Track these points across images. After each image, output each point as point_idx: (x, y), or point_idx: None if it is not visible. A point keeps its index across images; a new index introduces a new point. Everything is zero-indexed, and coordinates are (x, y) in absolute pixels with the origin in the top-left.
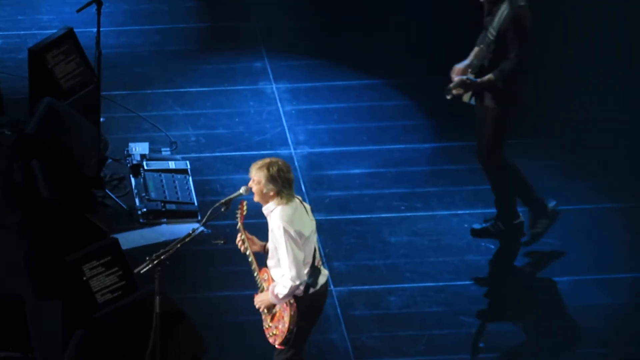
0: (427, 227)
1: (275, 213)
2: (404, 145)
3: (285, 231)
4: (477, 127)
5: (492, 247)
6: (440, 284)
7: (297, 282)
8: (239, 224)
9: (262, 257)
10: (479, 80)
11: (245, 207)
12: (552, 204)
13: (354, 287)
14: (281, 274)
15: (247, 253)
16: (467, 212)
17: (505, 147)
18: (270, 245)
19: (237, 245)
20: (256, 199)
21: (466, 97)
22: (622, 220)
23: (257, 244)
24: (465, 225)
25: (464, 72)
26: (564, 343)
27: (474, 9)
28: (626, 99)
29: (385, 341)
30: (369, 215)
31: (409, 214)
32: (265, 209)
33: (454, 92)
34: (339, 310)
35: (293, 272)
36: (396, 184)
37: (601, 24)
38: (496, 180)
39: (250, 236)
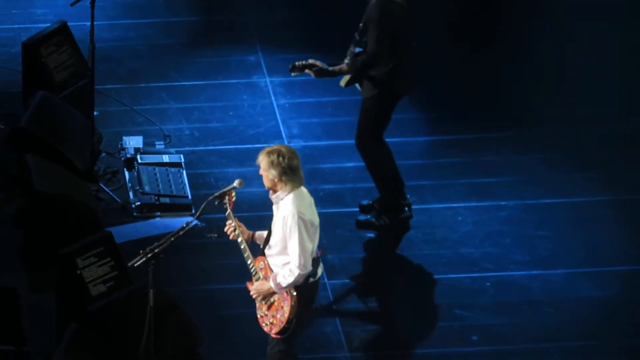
0: (420, 220)
1: (286, 201)
2: (398, 139)
3: (300, 219)
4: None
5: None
6: (435, 277)
7: (305, 272)
8: (228, 210)
9: (252, 245)
10: (330, 68)
11: (234, 194)
12: (406, 213)
13: (347, 280)
14: (283, 263)
15: (239, 240)
16: (461, 205)
17: (380, 135)
18: (276, 233)
19: (228, 236)
20: (266, 185)
21: (342, 82)
22: (615, 212)
23: (245, 232)
24: (460, 219)
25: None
26: (557, 335)
27: (468, 1)
28: (620, 93)
29: (378, 334)
30: None
31: None
32: (275, 197)
33: (297, 72)
34: (333, 303)
35: (302, 261)
36: None
37: (599, 20)
38: (370, 168)
39: (239, 223)
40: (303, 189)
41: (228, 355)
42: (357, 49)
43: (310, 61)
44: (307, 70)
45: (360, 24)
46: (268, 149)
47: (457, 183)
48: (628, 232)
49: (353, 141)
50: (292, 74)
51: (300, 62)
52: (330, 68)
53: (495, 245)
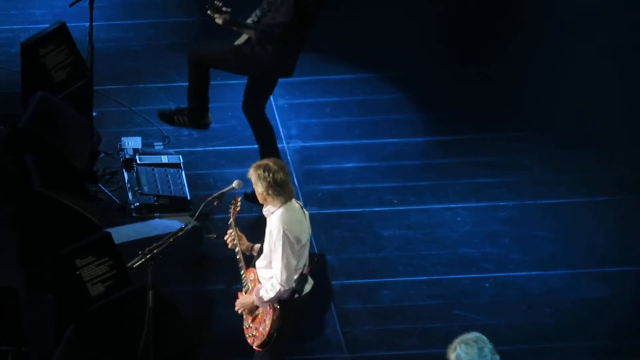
0: (420, 220)
1: (275, 215)
2: (397, 139)
3: (285, 235)
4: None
5: None
6: (433, 277)
7: (286, 287)
8: (231, 219)
9: (250, 256)
10: (238, 21)
11: (239, 203)
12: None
13: (346, 281)
14: (269, 276)
15: (236, 250)
16: (460, 205)
17: (263, 103)
18: (265, 246)
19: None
20: (259, 199)
21: (238, 41)
22: (614, 212)
23: (245, 244)
24: (459, 219)
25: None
26: (556, 336)
27: (468, 1)
28: (618, 93)
29: (378, 335)
30: (361, 209)
31: (401, 208)
32: (266, 211)
33: (212, 13)
34: (331, 303)
35: (284, 277)
36: (389, 177)
37: (598, 18)
38: (255, 132)
39: (240, 234)
40: (295, 205)
41: (227, 356)
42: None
43: (225, 8)
44: (216, 15)
45: None
46: (257, 163)
47: (457, 183)
48: (627, 232)
49: (352, 141)
50: (208, 12)
51: (219, 3)
52: (238, 21)
53: (495, 246)
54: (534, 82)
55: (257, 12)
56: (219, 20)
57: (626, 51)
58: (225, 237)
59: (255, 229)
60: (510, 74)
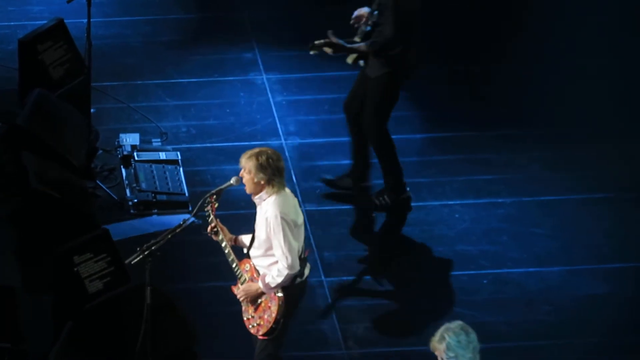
0: (418, 217)
1: (268, 202)
2: (395, 136)
3: (282, 219)
4: (355, 89)
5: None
6: (431, 274)
7: (293, 272)
8: (211, 216)
9: (236, 250)
10: (348, 45)
11: (215, 203)
12: (407, 193)
13: (344, 278)
14: (268, 264)
15: (223, 245)
16: (458, 202)
17: (388, 117)
18: (260, 234)
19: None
20: (248, 189)
21: (350, 59)
22: (612, 210)
23: (228, 236)
24: (457, 216)
25: (364, 19)
26: (554, 333)
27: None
28: (615, 92)
29: (376, 331)
30: (359, 206)
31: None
32: (258, 198)
33: (316, 50)
34: (329, 300)
35: (290, 261)
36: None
37: (593, 19)
38: (377, 150)
39: (222, 226)
40: (286, 190)
41: (225, 353)
42: (368, 28)
43: (327, 40)
44: (325, 48)
45: (374, 6)
46: (254, 152)
47: (454, 180)
48: (625, 229)
49: (350, 138)
50: (311, 52)
51: (319, 41)
52: (348, 45)
53: (493, 243)
54: (533, 82)
55: (362, 27)
56: (328, 52)
57: (625, 51)
58: (207, 230)
59: (237, 225)
60: (509, 74)
